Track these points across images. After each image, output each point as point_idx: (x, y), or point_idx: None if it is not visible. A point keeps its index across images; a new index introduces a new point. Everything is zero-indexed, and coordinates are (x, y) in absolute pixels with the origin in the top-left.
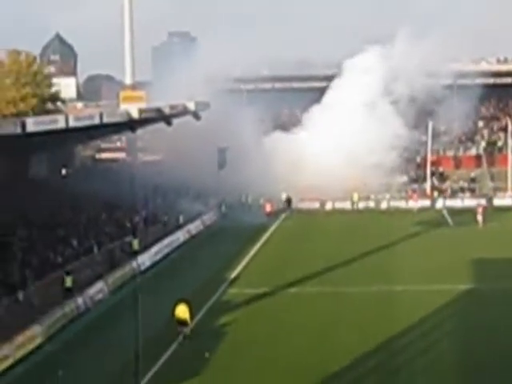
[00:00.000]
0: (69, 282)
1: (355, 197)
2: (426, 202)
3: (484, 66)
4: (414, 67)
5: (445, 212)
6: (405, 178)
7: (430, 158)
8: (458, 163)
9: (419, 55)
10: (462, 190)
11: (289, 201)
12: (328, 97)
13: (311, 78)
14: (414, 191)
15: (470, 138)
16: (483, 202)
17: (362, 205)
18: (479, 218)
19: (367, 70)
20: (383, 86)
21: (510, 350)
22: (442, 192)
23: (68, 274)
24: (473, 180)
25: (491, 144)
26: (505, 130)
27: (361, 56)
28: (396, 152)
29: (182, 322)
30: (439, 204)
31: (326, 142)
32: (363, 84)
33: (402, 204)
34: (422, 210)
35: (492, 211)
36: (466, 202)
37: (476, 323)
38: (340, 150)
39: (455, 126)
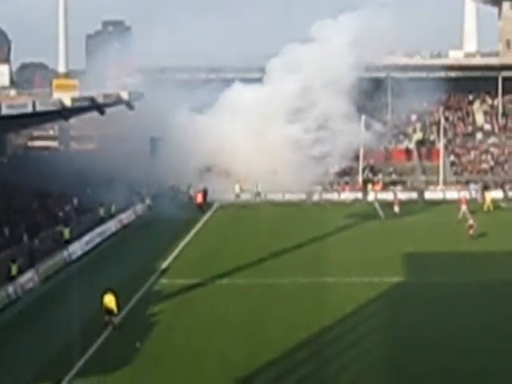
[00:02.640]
0: (14, 270)
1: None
2: (358, 195)
3: (418, 60)
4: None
5: (376, 205)
6: (336, 169)
7: (362, 151)
8: (388, 156)
9: (348, 48)
10: (394, 183)
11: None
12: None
13: (247, 70)
14: (346, 183)
15: (403, 131)
16: (414, 195)
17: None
18: (396, 208)
19: (291, 69)
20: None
21: (435, 344)
22: (373, 185)
23: (14, 261)
24: (400, 174)
25: (423, 138)
26: (437, 124)
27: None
28: (328, 144)
29: (110, 312)
30: (371, 197)
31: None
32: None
33: (334, 196)
34: (355, 202)
35: (423, 204)
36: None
37: (404, 317)
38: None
39: (388, 119)
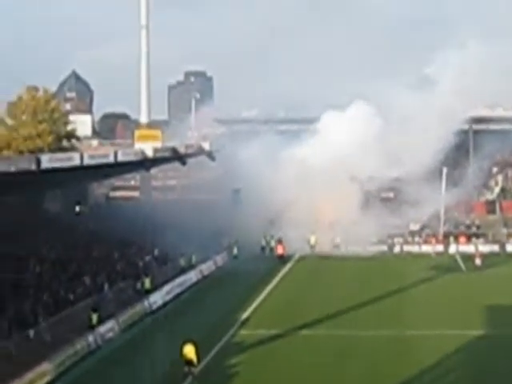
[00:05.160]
0: (94, 319)
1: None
2: (439, 248)
3: (500, 112)
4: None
5: (458, 257)
6: (417, 227)
7: (443, 203)
8: (470, 209)
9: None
10: (476, 235)
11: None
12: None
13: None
14: (433, 236)
15: (484, 184)
16: (495, 247)
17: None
18: (477, 261)
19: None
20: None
21: None
22: (456, 237)
23: (95, 310)
24: (478, 226)
25: (505, 190)
26: None
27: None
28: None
29: (190, 363)
30: (452, 249)
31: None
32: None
33: (415, 249)
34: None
35: (505, 257)
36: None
37: (487, 369)
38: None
39: (469, 172)
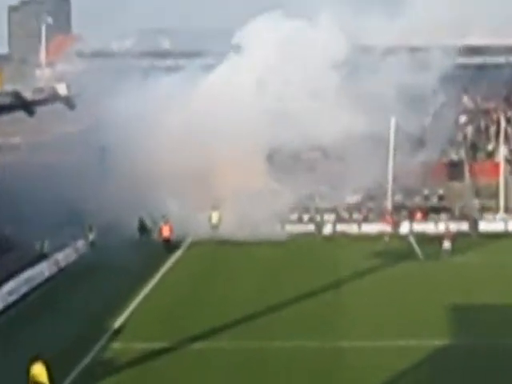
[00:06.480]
0: None
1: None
2: (386, 227)
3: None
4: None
5: (412, 239)
6: (356, 199)
7: (391, 165)
8: (427, 173)
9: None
10: (436, 210)
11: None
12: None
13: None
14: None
15: (448, 138)
16: (464, 226)
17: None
18: (446, 244)
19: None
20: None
21: None
22: (410, 213)
23: None
24: (441, 197)
25: (476, 147)
26: (497, 127)
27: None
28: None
29: None
30: (404, 228)
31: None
32: None
33: (352, 229)
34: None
35: (477, 239)
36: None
37: None
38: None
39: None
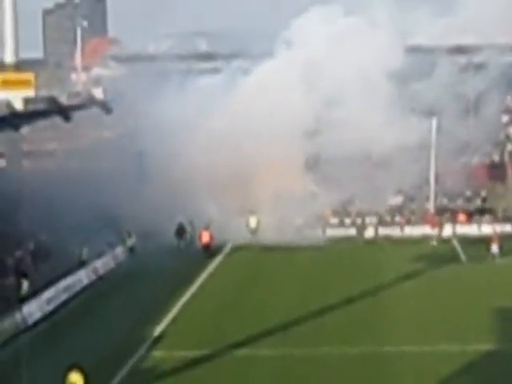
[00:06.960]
0: None
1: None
2: (429, 230)
3: None
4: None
5: (455, 242)
6: (398, 200)
7: (433, 168)
8: (470, 175)
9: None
10: (481, 211)
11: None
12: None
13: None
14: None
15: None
16: (507, 228)
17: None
18: (494, 248)
19: None
20: None
21: None
22: (453, 215)
23: None
24: (484, 199)
25: None
26: None
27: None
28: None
29: None
30: (447, 231)
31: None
32: None
33: (395, 232)
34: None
35: None
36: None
37: None
38: None
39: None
